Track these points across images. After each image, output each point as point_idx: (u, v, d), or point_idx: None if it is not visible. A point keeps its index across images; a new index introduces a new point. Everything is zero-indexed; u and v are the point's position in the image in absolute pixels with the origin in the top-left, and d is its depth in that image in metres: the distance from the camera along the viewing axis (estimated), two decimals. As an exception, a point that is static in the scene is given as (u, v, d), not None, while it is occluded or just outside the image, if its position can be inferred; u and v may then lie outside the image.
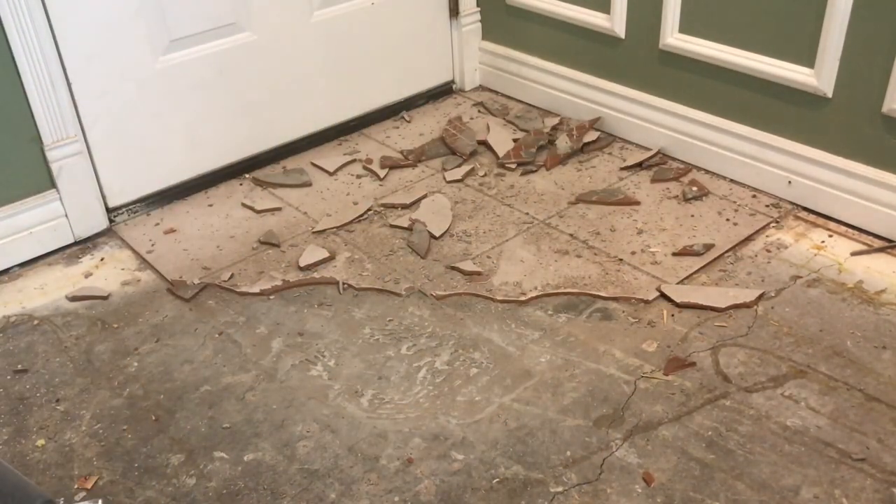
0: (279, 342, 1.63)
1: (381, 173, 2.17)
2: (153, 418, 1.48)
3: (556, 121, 2.33)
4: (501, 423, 1.43)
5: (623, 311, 1.66)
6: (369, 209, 2.02)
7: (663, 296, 1.69)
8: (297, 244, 1.91)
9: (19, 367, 1.60)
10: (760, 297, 1.66)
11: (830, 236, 1.83)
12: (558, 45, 2.33)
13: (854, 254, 1.77)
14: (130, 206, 2.04)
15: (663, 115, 2.14)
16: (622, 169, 2.13)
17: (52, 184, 1.89)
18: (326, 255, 1.84)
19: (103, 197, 1.99)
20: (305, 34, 2.20)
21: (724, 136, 2.02)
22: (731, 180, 2.04)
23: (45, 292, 1.80)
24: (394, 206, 2.03)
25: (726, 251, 1.81)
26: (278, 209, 2.05)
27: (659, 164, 2.13)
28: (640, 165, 2.13)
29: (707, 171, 2.09)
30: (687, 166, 2.11)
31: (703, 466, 1.33)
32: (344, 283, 1.77)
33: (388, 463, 1.37)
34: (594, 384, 1.49)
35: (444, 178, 2.13)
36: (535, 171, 2.14)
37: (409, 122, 2.43)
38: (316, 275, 1.80)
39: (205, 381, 1.55)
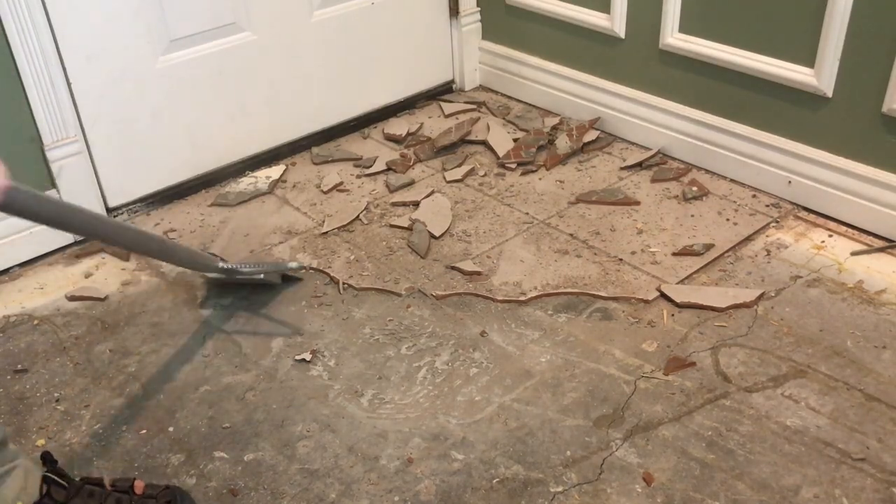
0: (279, 342, 1.63)
1: (381, 173, 2.17)
2: (153, 418, 1.48)
3: (556, 121, 2.33)
4: (501, 423, 1.43)
5: (623, 311, 1.66)
6: (369, 209, 2.02)
7: (663, 296, 1.69)
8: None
9: (19, 367, 1.60)
10: (760, 297, 1.66)
11: (830, 236, 1.83)
12: (558, 45, 2.33)
13: (854, 254, 1.77)
14: (130, 206, 2.04)
15: (663, 115, 2.14)
16: (622, 169, 2.13)
17: (53, 184, 1.89)
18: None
19: (103, 197, 1.99)
20: (305, 34, 2.20)
21: (724, 136, 2.02)
22: (731, 180, 2.04)
23: (45, 292, 1.80)
24: (394, 206, 2.03)
25: (726, 251, 1.81)
26: (279, 209, 2.05)
27: (659, 164, 2.13)
28: (640, 165, 2.13)
29: (707, 171, 2.09)
30: (687, 166, 2.11)
31: (703, 466, 1.33)
32: (344, 283, 1.78)
33: (388, 463, 1.37)
34: (594, 384, 1.49)
35: (444, 178, 2.13)
36: (535, 171, 2.14)
37: (409, 121, 2.43)
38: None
39: (205, 381, 1.55)
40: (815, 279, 1.71)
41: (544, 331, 1.62)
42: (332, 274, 1.80)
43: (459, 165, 2.18)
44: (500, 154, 2.19)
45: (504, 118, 2.40)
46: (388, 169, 2.19)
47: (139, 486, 1.27)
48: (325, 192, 2.11)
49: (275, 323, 1.68)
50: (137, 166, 2.02)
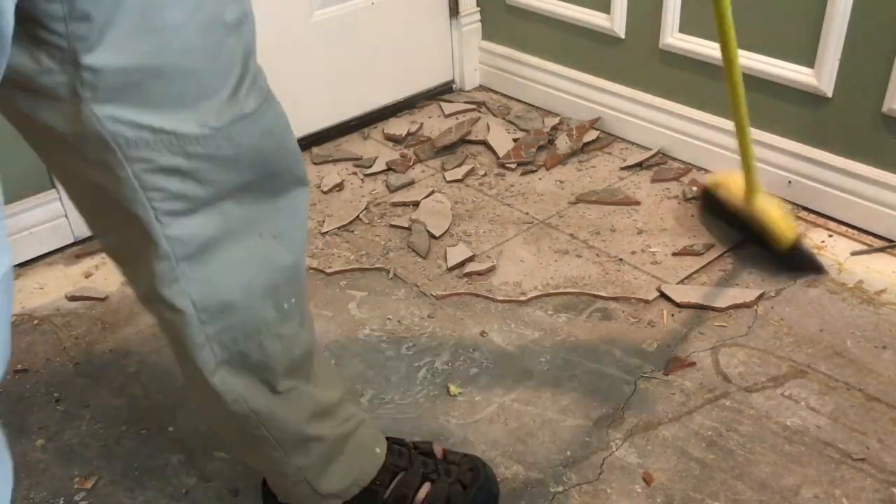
0: (279, 342, 1.63)
1: (381, 173, 2.17)
2: (153, 418, 1.48)
3: (556, 121, 2.33)
4: (501, 423, 1.43)
5: (623, 311, 1.66)
6: (369, 209, 2.02)
7: (663, 296, 1.69)
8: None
9: (19, 367, 1.60)
10: (760, 297, 1.66)
11: (830, 236, 1.83)
12: (558, 45, 2.33)
13: (854, 254, 1.77)
14: (130, 206, 2.04)
15: (663, 115, 2.14)
16: (622, 169, 2.13)
17: (52, 183, 1.89)
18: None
19: (103, 197, 1.99)
20: (305, 34, 2.20)
21: (725, 136, 2.02)
22: (731, 180, 2.04)
23: (44, 292, 1.80)
24: (394, 206, 2.03)
25: (726, 251, 1.81)
26: (278, 209, 2.05)
27: (659, 164, 2.13)
28: (640, 165, 2.13)
29: (707, 171, 2.09)
30: (687, 166, 2.11)
31: (703, 466, 1.33)
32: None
33: (388, 463, 1.37)
34: (594, 384, 1.49)
35: (444, 178, 2.13)
36: (535, 171, 2.14)
37: (409, 121, 2.43)
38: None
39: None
40: (814, 279, 1.71)
41: (544, 331, 1.62)
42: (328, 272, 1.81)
43: (459, 165, 2.18)
44: (500, 154, 2.19)
45: (504, 118, 2.40)
46: (388, 169, 2.19)
47: (438, 450, 1.27)
48: (324, 193, 2.10)
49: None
50: (137, 166, 2.02)
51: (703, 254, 1.80)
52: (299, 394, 1.08)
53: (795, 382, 1.47)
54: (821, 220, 1.88)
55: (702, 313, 1.64)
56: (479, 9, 2.51)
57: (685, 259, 1.79)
